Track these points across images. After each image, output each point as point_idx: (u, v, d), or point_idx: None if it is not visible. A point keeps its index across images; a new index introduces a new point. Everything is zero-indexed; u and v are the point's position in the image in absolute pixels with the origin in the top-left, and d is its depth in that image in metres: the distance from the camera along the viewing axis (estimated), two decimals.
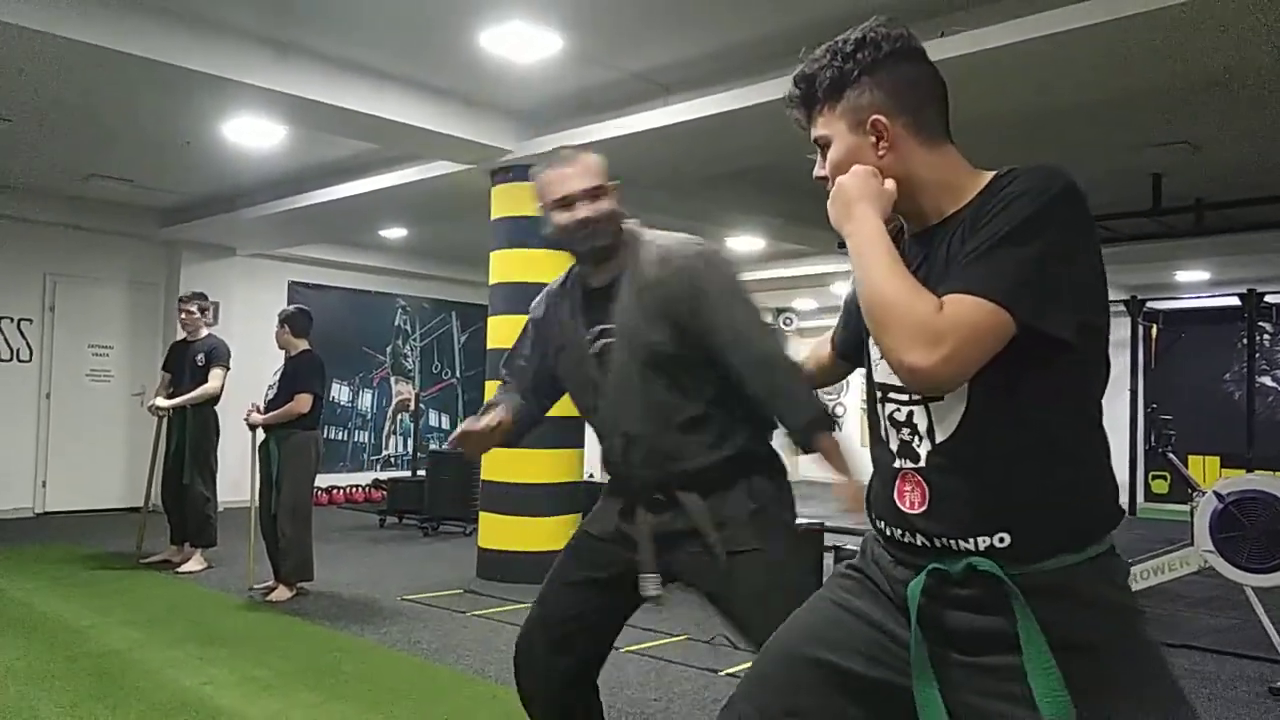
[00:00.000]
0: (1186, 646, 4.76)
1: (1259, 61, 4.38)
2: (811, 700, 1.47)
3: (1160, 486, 12.05)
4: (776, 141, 5.42)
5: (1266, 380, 11.75)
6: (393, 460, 11.78)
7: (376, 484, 11.00)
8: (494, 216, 6.63)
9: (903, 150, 1.39)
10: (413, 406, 11.62)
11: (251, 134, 6.48)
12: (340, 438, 11.31)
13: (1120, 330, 11.24)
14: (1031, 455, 1.31)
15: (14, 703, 3.61)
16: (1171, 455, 6.24)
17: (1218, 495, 4.44)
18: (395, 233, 9.93)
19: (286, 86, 5.21)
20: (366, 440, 11.63)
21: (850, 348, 1.79)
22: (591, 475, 7.58)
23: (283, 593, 5.54)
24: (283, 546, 5.54)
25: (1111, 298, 1.59)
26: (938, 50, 4.38)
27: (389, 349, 11.88)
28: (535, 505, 6.34)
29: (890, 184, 1.39)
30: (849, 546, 5.19)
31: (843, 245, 1.40)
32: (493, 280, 6.62)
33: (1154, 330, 11.96)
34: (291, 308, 5.96)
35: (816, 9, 4.40)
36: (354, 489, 11.00)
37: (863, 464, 1.65)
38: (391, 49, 5.23)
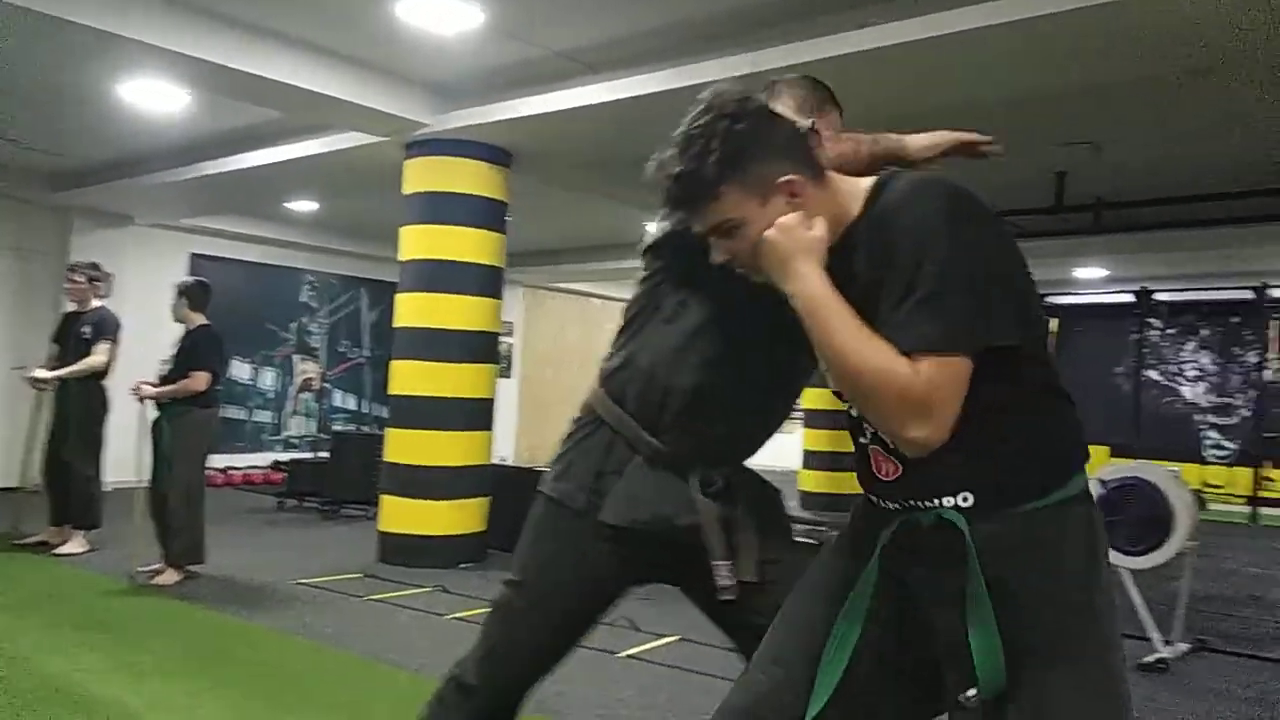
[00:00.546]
0: None
1: (1160, 67, 4.52)
2: (796, 657, 1.52)
3: None
4: None
5: (1154, 374, 12.29)
6: (295, 441, 11.45)
7: (277, 465, 10.66)
8: (406, 191, 6.47)
9: (809, 199, 1.42)
10: (317, 386, 11.32)
11: (152, 97, 6.17)
12: (240, 417, 10.95)
13: None
14: (988, 425, 1.36)
15: None
16: None
17: (1101, 481, 4.62)
18: (304, 205, 9.64)
19: (187, 48, 4.97)
20: (267, 420, 11.28)
21: None
22: (503, 458, 7.49)
23: (170, 576, 5.33)
24: (173, 527, 5.33)
25: None
26: (855, 43, 4.43)
27: (294, 326, 11.53)
28: (440, 488, 6.22)
29: (819, 226, 1.41)
30: None
31: None
32: (403, 257, 6.45)
33: (1054, 325, 12.36)
34: (190, 279, 5.72)
35: None
36: (253, 470, 10.66)
37: None
38: (303, 13, 5.03)
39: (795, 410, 1.97)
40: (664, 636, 4.53)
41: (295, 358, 11.53)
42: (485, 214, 6.39)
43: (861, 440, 1.50)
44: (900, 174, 1.45)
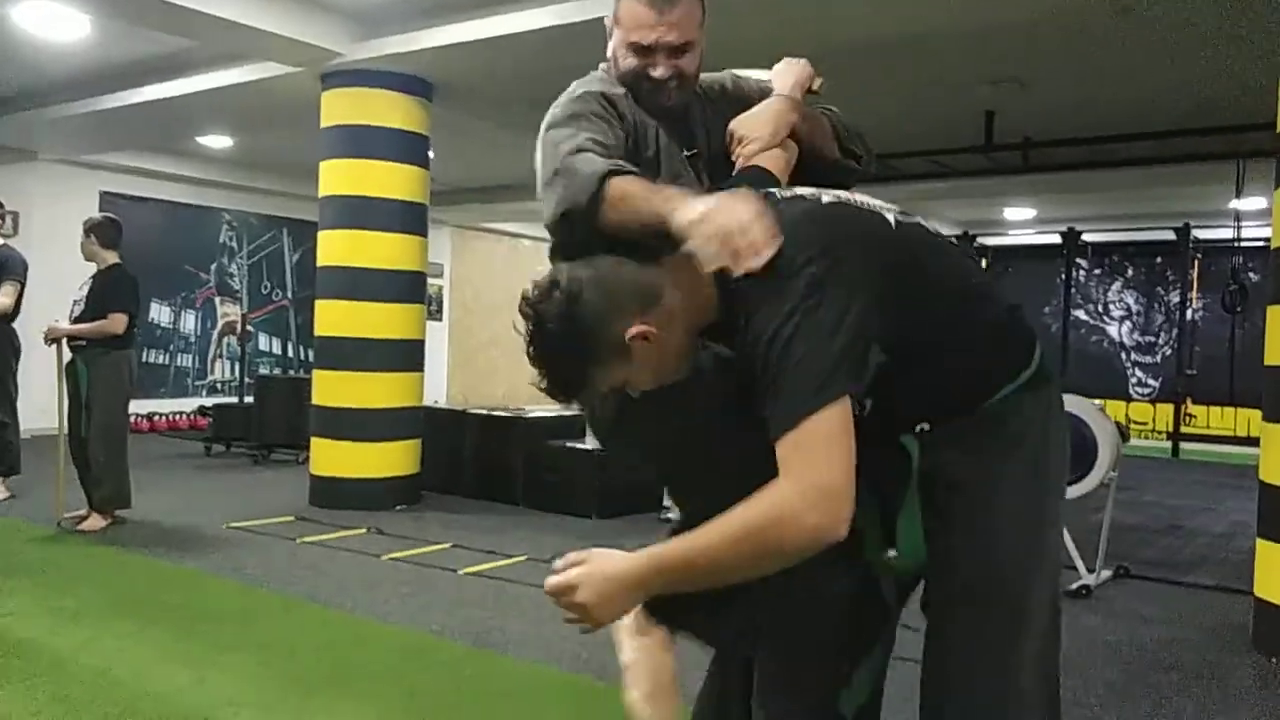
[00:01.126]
0: None
1: (1086, 4, 4.53)
2: None
3: None
4: None
5: (1081, 314, 12.61)
6: (219, 386, 11.16)
7: (202, 410, 10.40)
8: (324, 124, 6.24)
9: (666, 323, 1.38)
10: (240, 329, 11.02)
11: (51, 23, 5.84)
12: (161, 361, 10.62)
13: None
14: (928, 372, 1.43)
15: None
16: None
17: None
18: (219, 141, 9.26)
19: None
20: (190, 365, 10.97)
21: None
22: (436, 401, 7.39)
23: (96, 521, 5.19)
24: (96, 473, 5.18)
25: (945, 233, 1.69)
26: None
27: (214, 267, 11.17)
28: (370, 431, 6.12)
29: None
30: None
31: None
32: (322, 192, 6.24)
33: (983, 264, 12.58)
34: (98, 216, 5.49)
35: None
36: (177, 416, 10.40)
37: None
38: None
39: None
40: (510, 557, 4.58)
41: (216, 300, 11.19)
42: (407, 148, 6.19)
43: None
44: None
